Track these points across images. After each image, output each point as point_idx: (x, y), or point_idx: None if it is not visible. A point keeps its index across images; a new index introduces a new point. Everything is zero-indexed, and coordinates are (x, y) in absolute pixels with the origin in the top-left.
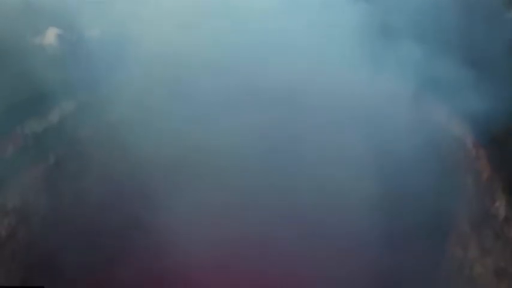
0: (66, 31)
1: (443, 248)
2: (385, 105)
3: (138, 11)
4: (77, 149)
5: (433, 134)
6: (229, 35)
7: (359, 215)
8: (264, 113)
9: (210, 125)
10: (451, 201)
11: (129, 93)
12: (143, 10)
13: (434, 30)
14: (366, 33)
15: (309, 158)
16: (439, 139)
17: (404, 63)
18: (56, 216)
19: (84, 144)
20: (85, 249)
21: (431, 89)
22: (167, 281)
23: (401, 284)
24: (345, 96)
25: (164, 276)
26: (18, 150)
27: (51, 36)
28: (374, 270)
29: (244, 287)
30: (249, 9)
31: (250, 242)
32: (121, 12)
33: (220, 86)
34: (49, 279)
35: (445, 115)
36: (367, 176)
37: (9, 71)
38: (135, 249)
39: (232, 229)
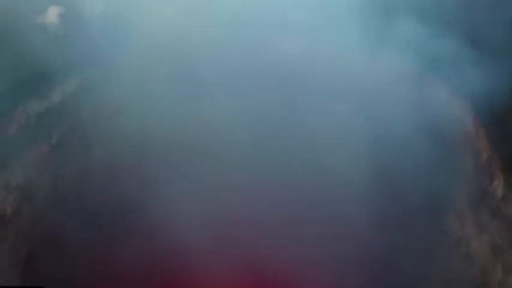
0: (67, 10)
1: (442, 226)
2: (385, 84)
3: None
4: (79, 129)
5: (433, 114)
6: (230, 16)
7: (357, 194)
8: (264, 94)
9: (210, 106)
10: (450, 180)
11: (130, 74)
12: None
13: (435, 8)
14: (367, 12)
15: (308, 139)
16: (439, 118)
17: (405, 43)
18: (59, 194)
19: (86, 124)
20: (86, 228)
21: (432, 68)
22: (166, 262)
23: (400, 262)
24: (345, 76)
25: (163, 257)
26: (21, 129)
27: (52, 15)
28: (372, 247)
29: (241, 266)
30: None
31: (248, 223)
32: None
33: (220, 68)
34: (52, 256)
35: (446, 94)
36: (367, 156)
37: (10, 50)
38: (134, 230)
39: (229, 210)
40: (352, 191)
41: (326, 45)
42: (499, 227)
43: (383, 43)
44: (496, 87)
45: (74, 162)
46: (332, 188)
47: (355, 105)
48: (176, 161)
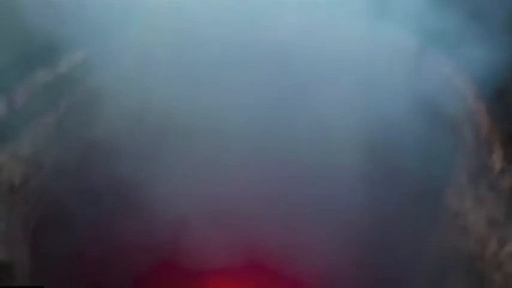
0: None
1: (440, 200)
2: (385, 59)
3: None
4: (87, 99)
5: (434, 88)
6: None
7: (357, 167)
8: (263, 72)
9: (210, 83)
10: (449, 154)
11: (137, 45)
12: None
13: None
14: None
15: (308, 114)
16: (440, 93)
17: (405, 16)
18: (66, 165)
19: (93, 95)
20: (91, 200)
21: (433, 41)
22: (166, 241)
23: (399, 234)
24: (345, 49)
25: (162, 236)
26: (29, 99)
27: None
28: (370, 222)
29: (239, 241)
30: None
31: (246, 199)
32: None
33: (222, 46)
34: (59, 227)
35: (447, 68)
36: (367, 131)
37: (17, 21)
38: (136, 206)
39: (228, 187)
40: (352, 166)
41: (325, 19)
42: (496, 200)
43: (383, 17)
44: (498, 62)
45: (81, 133)
46: (331, 164)
47: (355, 80)
48: (176, 135)
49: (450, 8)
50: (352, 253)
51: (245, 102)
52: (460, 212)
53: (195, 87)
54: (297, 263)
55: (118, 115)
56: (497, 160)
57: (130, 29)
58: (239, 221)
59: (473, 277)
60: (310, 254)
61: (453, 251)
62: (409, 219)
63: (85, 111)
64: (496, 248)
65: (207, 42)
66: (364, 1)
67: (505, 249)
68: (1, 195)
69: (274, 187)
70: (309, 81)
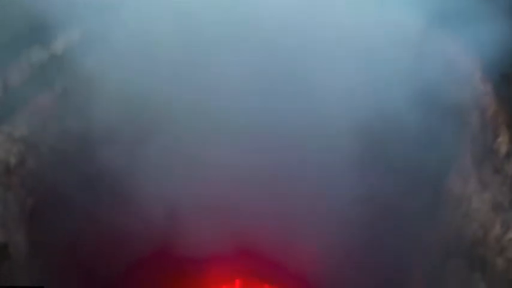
0: None
1: (444, 184)
2: (390, 38)
3: None
4: (84, 79)
5: (438, 69)
6: None
7: (357, 147)
8: (262, 48)
9: (208, 62)
10: (454, 137)
11: (135, 22)
12: None
13: None
14: None
15: (304, 97)
16: (443, 73)
17: None
18: (64, 148)
19: (90, 74)
20: (88, 183)
21: (440, 21)
22: (161, 229)
23: (399, 220)
24: (349, 28)
25: (157, 224)
26: (25, 78)
27: None
28: (370, 203)
29: (233, 228)
30: None
31: (242, 181)
32: None
33: (221, 25)
34: (55, 212)
35: (452, 48)
36: (369, 113)
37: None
38: (133, 193)
39: (223, 174)
40: (350, 150)
41: None
42: (501, 184)
43: None
44: (506, 42)
45: (78, 114)
46: (328, 147)
47: (354, 62)
48: (178, 113)
49: None
50: (348, 239)
51: (244, 85)
52: (463, 196)
53: (194, 67)
54: (290, 249)
55: (116, 97)
56: (502, 143)
57: (128, 7)
58: (232, 206)
59: (475, 262)
60: (304, 239)
61: (455, 236)
62: (409, 204)
63: (82, 92)
64: (499, 232)
65: (206, 21)
66: None
67: (508, 234)
68: None
69: (268, 173)
70: (306, 63)
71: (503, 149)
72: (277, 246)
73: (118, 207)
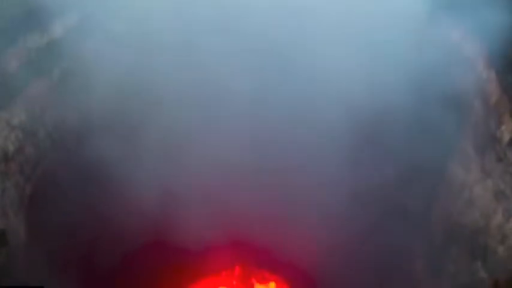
0: None
1: (446, 171)
2: (394, 23)
3: None
4: (81, 64)
5: (444, 54)
6: None
7: (357, 135)
8: (259, 30)
9: (207, 47)
10: (456, 124)
11: (132, 8)
12: None
13: None
14: None
15: (313, 74)
16: (449, 59)
17: None
18: (62, 135)
19: (88, 59)
20: (85, 171)
21: (444, 7)
22: (162, 219)
23: (401, 206)
24: (353, 12)
25: (152, 211)
26: (22, 64)
27: None
28: (371, 192)
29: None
30: None
31: (238, 169)
32: None
33: (219, 4)
34: (54, 199)
35: (458, 35)
36: (369, 96)
37: None
38: (128, 181)
39: (221, 155)
40: (353, 136)
41: None
42: (503, 172)
43: None
44: (510, 30)
45: (76, 100)
46: (330, 133)
47: (357, 47)
48: (172, 105)
49: None
50: (348, 227)
51: (239, 68)
52: (465, 184)
53: (191, 52)
54: (282, 235)
55: (113, 83)
56: (506, 131)
57: None
58: (227, 193)
59: (476, 250)
60: (303, 227)
61: (456, 224)
62: (410, 192)
63: (80, 78)
64: (501, 220)
65: (202, 5)
66: None
67: (510, 223)
68: None
69: (264, 161)
70: (308, 45)
71: (507, 136)
72: (274, 235)
73: (116, 195)
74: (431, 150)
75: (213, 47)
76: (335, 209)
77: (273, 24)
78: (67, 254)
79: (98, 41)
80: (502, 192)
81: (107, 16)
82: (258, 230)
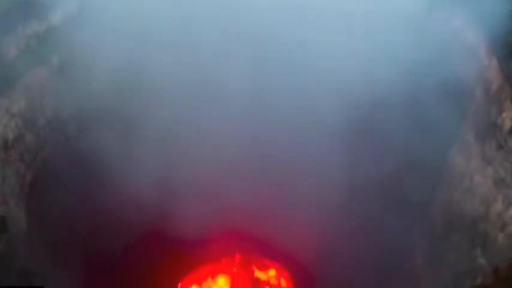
0: None
1: (445, 158)
2: (396, 11)
3: None
4: (81, 51)
5: (445, 41)
6: None
7: (357, 119)
8: (257, 18)
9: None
10: (457, 110)
11: None
12: None
13: None
14: None
15: (313, 63)
16: (450, 46)
17: None
18: (62, 123)
19: (88, 46)
20: (83, 158)
21: None
22: (161, 208)
23: (401, 193)
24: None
25: (150, 201)
26: (22, 52)
27: None
28: (365, 178)
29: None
30: None
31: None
32: None
33: None
34: (54, 186)
35: (459, 22)
36: (373, 80)
37: None
38: (126, 170)
39: (218, 145)
40: (355, 120)
41: None
42: (504, 159)
43: None
44: None
45: (75, 88)
46: (330, 121)
47: (361, 32)
48: (170, 96)
49: None
50: (348, 215)
51: (238, 64)
52: (465, 172)
53: (190, 39)
54: (278, 224)
55: (112, 70)
56: (507, 118)
57: None
58: (225, 182)
59: (476, 238)
60: (305, 216)
61: (457, 212)
62: (410, 180)
63: (79, 66)
64: (501, 208)
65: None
66: None
67: (510, 210)
68: None
69: (261, 151)
70: (308, 34)
71: (508, 124)
72: (265, 223)
73: (115, 185)
74: (431, 139)
75: (211, 36)
76: (336, 199)
77: (271, 14)
78: (67, 243)
79: (97, 29)
80: (502, 180)
81: (106, 5)
82: (257, 220)
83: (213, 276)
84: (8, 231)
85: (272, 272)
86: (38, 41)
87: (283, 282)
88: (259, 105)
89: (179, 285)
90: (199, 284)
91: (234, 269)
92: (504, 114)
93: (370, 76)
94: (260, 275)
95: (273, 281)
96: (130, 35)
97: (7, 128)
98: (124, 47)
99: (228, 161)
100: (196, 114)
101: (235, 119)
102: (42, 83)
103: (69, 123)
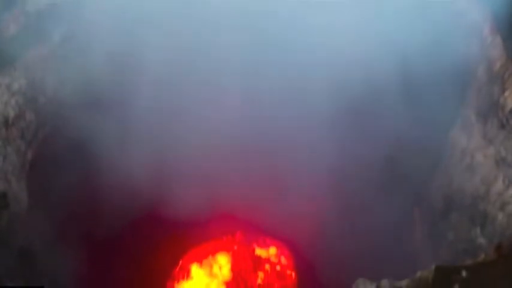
0: None
1: (447, 137)
2: None
3: None
4: (81, 28)
5: (449, 19)
6: None
7: (359, 97)
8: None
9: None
10: (460, 88)
11: None
12: None
13: None
14: None
15: (314, 39)
16: (454, 24)
17: None
18: (62, 99)
19: (88, 23)
20: (82, 138)
21: None
22: (161, 189)
23: (402, 171)
24: None
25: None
26: (22, 28)
27: None
28: (371, 155)
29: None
30: None
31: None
32: None
33: None
34: (55, 164)
35: (465, 1)
36: (372, 60)
37: None
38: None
39: (213, 128)
40: (355, 100)
41: None
42: (506, 138)
43: None
44: None
45: (76, 65)
46: (329, 99)
47: (366, 9)
48: (169, 81)
49: None
50: (347, 193)
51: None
52: (466, 151)
53: (192, 19)
54: (271, 209)
55: (113, 42)
56: (509, 98)
57: None
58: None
59: (475, 216)
60: (301, 197)
61: (457, 190)
62: (411, 159)
63: (80, 43)
64: (501, 187)
65: None
66: None
67: (510, 189)
68: None
69: (254, 137)
70: (309, 16)
71: (510, 103)
72: (258, 208)
73: (115, 164)
74: (433, 118)
75: (211, 28)
76: (335, 179)
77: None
78: (67, 221)
79: (97, 7)
80: (503, 159)
81: None
82: (254, 202)
83: (214, 254)
84: (9, 207)
85: (272, 250)
86: (38, 17)
87: (283, 260)
88: (253, 86)
89: (180, 262)
90: (200, 261)
91: (235, 247)
92: (506, 93)
93: (374, 53)
94: (261, 252)
95: (273, 259)
96: (132, 9)
97: (7, 106)
98: (125, 21)
99: (226, 144)
100: (193, 94)
101: (232, 97)
102: (43, 60)
103: (69, 101)
